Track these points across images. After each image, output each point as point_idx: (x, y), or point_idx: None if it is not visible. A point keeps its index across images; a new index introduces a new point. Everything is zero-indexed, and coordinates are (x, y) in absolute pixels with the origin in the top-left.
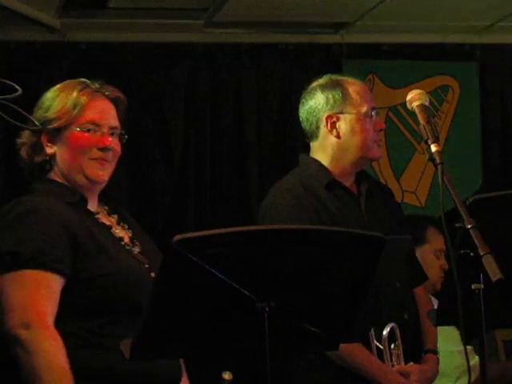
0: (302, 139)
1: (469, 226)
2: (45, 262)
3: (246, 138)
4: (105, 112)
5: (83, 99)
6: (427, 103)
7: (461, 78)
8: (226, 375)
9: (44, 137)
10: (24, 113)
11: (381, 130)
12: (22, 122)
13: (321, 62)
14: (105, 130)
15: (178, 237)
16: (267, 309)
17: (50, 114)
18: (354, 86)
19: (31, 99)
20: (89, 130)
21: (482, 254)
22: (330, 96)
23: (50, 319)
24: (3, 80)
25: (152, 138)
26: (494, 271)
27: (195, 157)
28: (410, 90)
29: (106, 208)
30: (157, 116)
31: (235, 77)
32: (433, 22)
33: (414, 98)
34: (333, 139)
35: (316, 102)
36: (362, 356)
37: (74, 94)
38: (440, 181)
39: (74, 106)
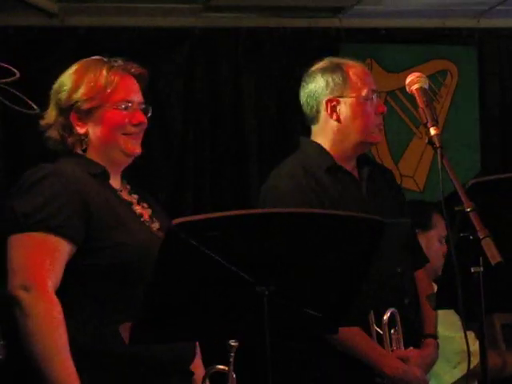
0: (301, 124)
1: (468, 210)
2: (53, 225)
3: (245, 123)
4: (134, 89)
5: (114, 78)
6: (426, 86)
7: (459, 62)
8: (232, 341)
9: (73, 116)
10: (22, 96)
11: (382, 113)
12: (21, 105)
13: (319, 46)
14: (136, 106)
15: (177, 220)
16: (267, 292)
17: (79, 95)
18: (354, 69)
19: (30, 84)
20: (123, 108)
21: (481, 237)
22: (330, 79)
23: (51, 284)
24: (1, 64)
25: (150, 124)
26: (493, 254)
27: (194, 142)
28: (408, 74)
29: (128, 187)
30: (155, 101)
31: (233, 61)
32: (431, 6)
33: (414, 81)
34: (333, 123)
35: (316, 86)
36: (361, 341)
37: (104, 73)
38: (439, 164)
39: (106, 85)
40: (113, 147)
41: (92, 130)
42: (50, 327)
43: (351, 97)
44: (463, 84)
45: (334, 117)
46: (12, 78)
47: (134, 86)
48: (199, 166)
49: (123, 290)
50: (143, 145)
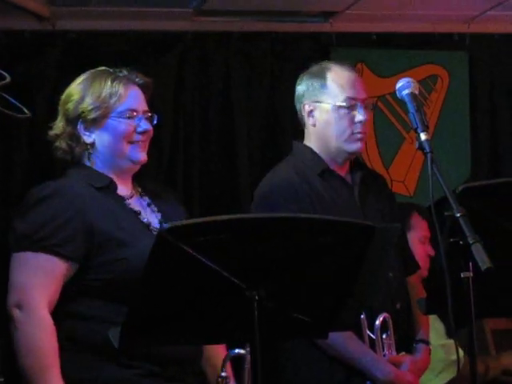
0: (291, 127)
1: (458, 215)
2: (49, 245)
3: (235, 127)
4: (138, 98)
5: (119, 88)
6: (417, 91)
7: (450, 67)
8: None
9: (80, 126)
10: (13, 100)
11: (360, 121)
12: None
13: (310, 51)
14: (141, 115)
15: (167, 225)
16: (257, 297)
17: (87, 105)
18: (336, 76)
19: (20, 88)
20: (128, 117)
21: (471, 242)
22: (310, 84)
23: (43, 303)
24: None
25: None
26: (483, 260)
27: (184, 146)
28: (399, 79)
29: (139, 190)
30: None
31: (224, 65)
32: (422, 11)
33: (404, 86)
34: (312, 128)
35: (300, 89)
36: (354, 346)
37: (109, 83)
38: (429, 169)
39: (111, 96)
40: (119, 156)
41: (98, 140)
42: (39, 344)
43: (327, 103)
44: (454, 89)
45: (311, 121)
46: (3, 82)
47: (139, 95)
48: (189, 170)
49: (121, 303)
50: None
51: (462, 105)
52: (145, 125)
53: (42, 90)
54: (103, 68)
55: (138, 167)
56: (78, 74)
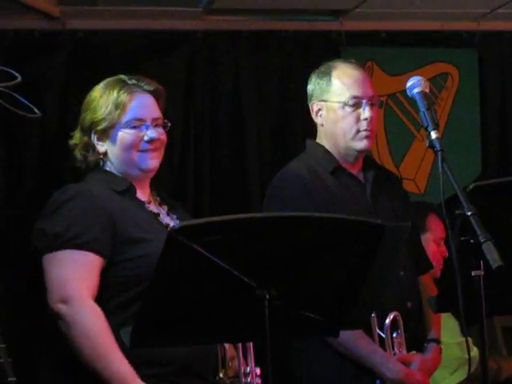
0: (302, 126)
1: (469, 213)
2: (83, 242)
3: (245, 126)
4: (146, 106)
5: (124, 98)
6: (427, 90)
7: (460, 65)
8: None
9: (94, 137)
10: (24, 100)
11: (365, 119)
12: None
13: (320, 49)
14: (148, 123)
15: (178, 224)
16: (267, 296)
17: (97, 116)
18: (342, 74)
19: (30, 87)
20: (134, 127)
21: (482, 240)
22: (317, 83)
23: (86, 292)
24: (2, 68)
25: None
26: (494, 258)
27: (194, 146)
28: (409, 77)
29: (158, 199)
30: None
31: (234, 64)
32: (432, 8)
33: (414, 84)
34: (320, 127)
35: (309, 89)
36: (363, 344)
37: (115, 94)
38: (440, 167)
39: (116, 107)
40: (129, 165)
41: (109, 150)
42: (98, 330)
43: (332, 102)
44: (464, 87)
45: (319, 120)
46: (14, 82)
47: (146, 102)
48: (199, 170)
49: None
50: None
51: (472, 103)
52: (152, 133)
53: (51, 90)
54: (118, 76)
55: (150, 175)
56: (87, 74)
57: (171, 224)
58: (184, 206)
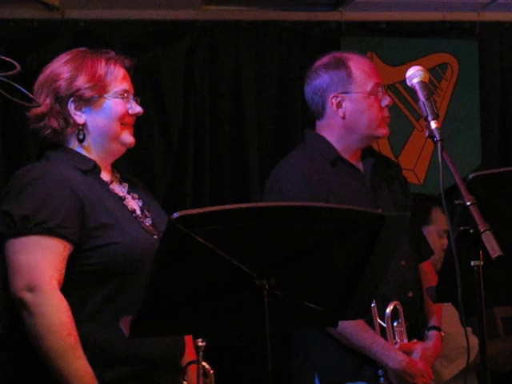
0: (302, 116)
1: (468, 203)
2: (51, 227)
3: (245, 116)
4: (128, 80)
5: (112, 68)
6: (427, 80)
7: (460, 55)
8: (200, 342)
9: (71, 106)
10: (24, 90)
11: (387, 105)
12: (22, 99)
13: (319, 40)
14: (131, 97)
15: (178, 214)
16: (267, 286)
17: (79, 84)
18: (358, 64)
19: (29, 77)
20: (123, 98)
21: (481, 230)
22: (335, 75)
23: (55, 282)
24: (1, 57)
25: (150, 117)
26: (493, 248)
27: (194, 136)
28: (409, 67)
29: (118, 176)
30: (155, 94)
31: (234, 54)
32: None
33: (414, 74)
34: (339, 119)
35: (321, 82)
36: (364, 334)
37: (103, 62)
38: (439, 158)
39: (106, 75)
40: (111, 138)
41: (91, 120)
42: (61, 325)
43: (356, 92)
44: (464, 77)
45: (340, 113)
46: (13, 72)
47: (128, 76)
48: (199, 160)
49: (117, 289)
50: (144, 137)
51: (471, 93)
52: (137, 107)
53: None
54: (84, 48)
55: (122, 152)
56: None
57: (137, 209)
58: (183, 196)
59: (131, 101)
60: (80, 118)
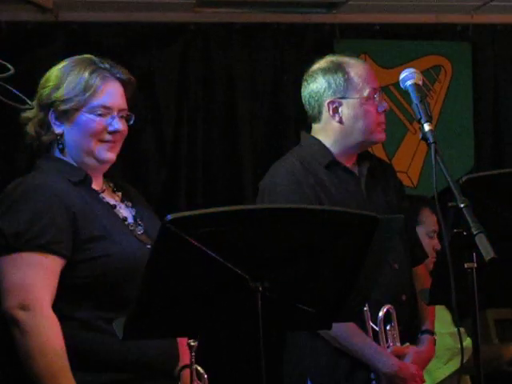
0: (295, 119)
1: (462, 205)
2: (43, 243)
3: (238, 118)
4: (115, 95)
5: (95, 82)
6: (420, 82)
7: (453, 57)
8: (192, 342)
9: (52, 115)
10: (17, 92)
11: (385, 111)
12: (15, 101)
13: (313, 42)
14: (115, 113)
15: (171, 216)
16: (260, 288)
17: (60, 95)
18: (356, 69)
19: (23, 80)
20: (100, 115)
21: (475, 232)
22: (332, 80)
23: (48, 302)
24: None
25: (144, 119)
26: (487, 250)
27: (187, 138)
28: (403, 69)
29: (111, 185)
30: (149, 96)
31: (227, 57)
32: (425, 1)
33: (408, 76)
34: (335, 124)
35: (318, 87)
36: (356, 338)
37: (86, 75)
38: (433, 160)
39: (85, 89)
40: (86, 153)
41: (67, 132)
42: (52, 346)
43: (353, 98)
44: (457, 79)
45: (337, 118)
46: (7, 74)
47: (117, 91)
48: (192, 162)
49: (110, 300)
50: (137, 139)
51: (465, 95)
52: (117, 124)
53: None
54: (87, 56)
55: (106, 167)
56: None
57: (129, 217)
58: (177, 198)
59: (113, 117)
60: (59, 128)
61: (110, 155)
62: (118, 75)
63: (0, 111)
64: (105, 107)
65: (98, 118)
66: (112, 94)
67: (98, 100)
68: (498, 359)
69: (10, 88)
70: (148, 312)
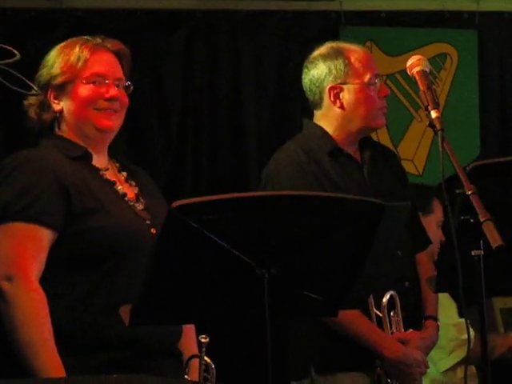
0: (301, 106)
1: (469, 193)
2: (33, 214)
3: (243, 106)
4: (108, 64)
5: (86, 53)
6: (428, 69)
7: (459, 45)
8: (203, 338)
9: (50, 94)
10: (23, 78)
11: (385, 96)
12: (21, 87)
13: (318, 29)
14: (110, 81)
15: (177, 202)
16: (267, 275)
17: (55, 71)
18: (356, 54)
19: (28, 66)
20: (94, 82)
21: (482, 220)
22: (333, 66)
23: (34, 273)
24: (1, 45)
25: (149, 106)
26: (494, 237)
27: (193, 125)
28: (408, 57)
29: (117, 165)
30: (154, 83)
31: (232, 44)
32: None
33: (415, 63)
34: (337, 110)
35: (318, 73)
36: (361, 324)
37: (77, 48)
38: (440, 147)
39: (77, 60)
40: (85, 123)
41: (65, 107)
42: (35, 317)
43: (354, 83)
44: (463, 67)
45: (338, 104)
46: (12, 60)
47: (110, 61)
48: (198, 150)
49: (106, 273)
50: (143, 125)
51: (471, 83)
52: (113, 91)
53: None
54: (82, 36)
55: (107, 136)
56: None
57: (129, 192)
58: (182, 185)
59: (108, 85)
60: (58, 105)
61: (109, 123)
62: (109, 46)
63: (5, 96)
64: (98, 75)
65: (92, 86)
66: (104, 62)
67: (91, 69)
68: (494, 350)
69: (16, 74)
70: (154, 298)
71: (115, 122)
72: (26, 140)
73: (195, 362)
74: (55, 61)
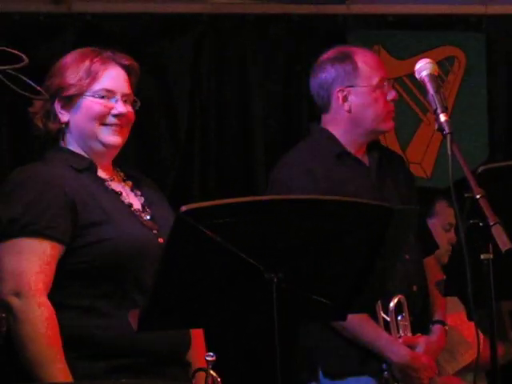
0: (308, 110)
1: (478, 196)
2: (38, 229)
3: (251, 110)
4: (117, 79)
5: (96, 67)
6: (436, 73)
7: (467, 48)
8: (209, 357)
9: (57, 104)
10: (31, 83)
11: (393, 99)
12: (30, 92)
13: (326, 33)
14: (118, 97)
15: (185, 207)
16: (275, 279)
17: (63, 82)
18: (364, 58)
19: (36, 71)
20: (102, 97)
21: (491, 223)
22: (341, 69)
23: (42, 288)
24: (9, 49)
25: (157, 111)
26: (503, 241)
27: (200, 129)
28: (416, 60)
29: (122, 174)
30: (162, 88)
31: (240, 48)
32: None
33: (423, 67)
34: (345, 113)
35: (327, 76)
36: (368, 328)
37: (87, 62)
38: (449, 151)
39: (87, 74)
40: (91, 137)
41: (72, 119)
42: (45, 332)
43: (362, 86)
44: (471, 71)
45: (346, 107)
46: (21, 64)
47: (120, 76)
48: (206, 154)
49: (116, 284)
50: (150, 131)
51: (479, 86)
52: (121, 107)
53: None
54: (92, 48)
55: (112, 152)
56: None
57: (135, 203)
58: (190, 189)
59: (116, 100)
60: (64, 116)
61: (115, 139)
62: (119, 61)
63: (13, 101)
64: (107, 90)
65: (100, 101)
66: (114, 77)
67: (100, 84)
68: (506, 355)
69: (25, 78)
70: (163, 303)
71: (121, 138)
72: (33, 146)
73: (201, 374)
74: (64, 71)
